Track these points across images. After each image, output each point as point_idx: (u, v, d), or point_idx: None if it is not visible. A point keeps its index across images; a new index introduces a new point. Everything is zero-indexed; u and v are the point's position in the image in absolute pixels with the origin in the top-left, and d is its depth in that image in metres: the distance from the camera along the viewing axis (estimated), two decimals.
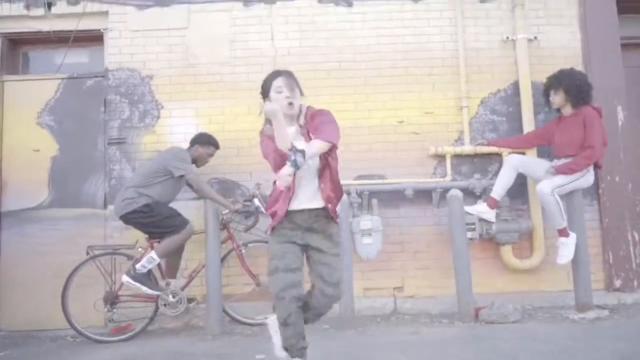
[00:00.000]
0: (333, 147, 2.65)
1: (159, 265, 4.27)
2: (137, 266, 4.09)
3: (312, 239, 2.72)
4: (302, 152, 2.45)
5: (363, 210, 4.61)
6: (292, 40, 4.91)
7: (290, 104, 2.65)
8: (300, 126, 2.73)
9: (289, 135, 2.57)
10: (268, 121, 2.66)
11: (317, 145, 2.55)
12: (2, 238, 4.79)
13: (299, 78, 2.77)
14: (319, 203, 2.70)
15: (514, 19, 4.91)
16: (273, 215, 2.71)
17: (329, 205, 2.70)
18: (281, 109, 2.57)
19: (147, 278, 4.13)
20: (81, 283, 4.27)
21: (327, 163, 2.70)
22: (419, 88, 4.89)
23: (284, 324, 2.63)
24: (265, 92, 2.74)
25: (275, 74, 2.74)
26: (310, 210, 2.70)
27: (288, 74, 2.73)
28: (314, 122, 2.68)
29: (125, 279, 4.10)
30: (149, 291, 4.12)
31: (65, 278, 4.17)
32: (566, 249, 4.18)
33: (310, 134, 2.65)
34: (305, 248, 2.74)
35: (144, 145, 4.81)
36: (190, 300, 4.29)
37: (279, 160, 2.57)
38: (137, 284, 4.09)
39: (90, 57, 5.15)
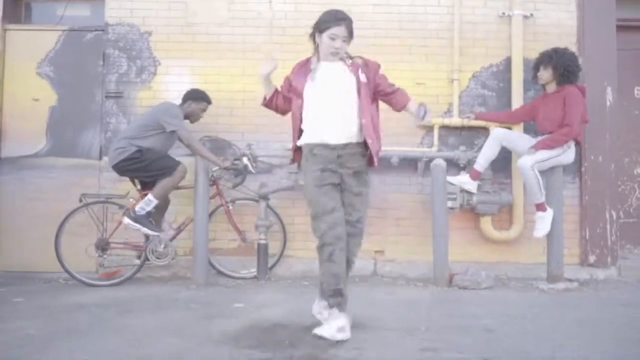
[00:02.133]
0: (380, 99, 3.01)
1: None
2: (137, 208, 4.26)
3: (342, 177, 2.84)
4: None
5: None
6: (289, 4, 4.97)
7: (335, 53, 2.83)
8: (346, 64, 2.90)
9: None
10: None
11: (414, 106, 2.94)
12: (0, 183, 4.97)
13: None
14: (358, 137, 2.86)
15: None
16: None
17: (370, 141, 2.84)
18: (325, 52, 2.83)
19: (146, 220, 4.30)
20: (74, 230, 4.46)
21: (374, 101, 2.96)
22: (412, 59, 4.96)
23: (329, 259, 2.72)
24: (320, 29, 2.84)
25: (339, 20, 2.82)
26: (346, 144, 2.83)
27: (348, 24, 2.83)
28: (372, 71, 2.94)
29: (126, 220, 4.27)
30: (150, 232, 4.30)
31: (59, 223, 4.35)
32: (543, 222, 4.31)
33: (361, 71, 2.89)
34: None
35: (139, 100, 4.93)
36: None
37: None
38: (138, 225, 4.27)
39: (91, 11, 5.23)
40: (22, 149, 4.99)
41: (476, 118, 4.79)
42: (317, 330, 2.75)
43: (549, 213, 4.30)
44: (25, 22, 5.27)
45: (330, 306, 2.77)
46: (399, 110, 3.07)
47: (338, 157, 2.83)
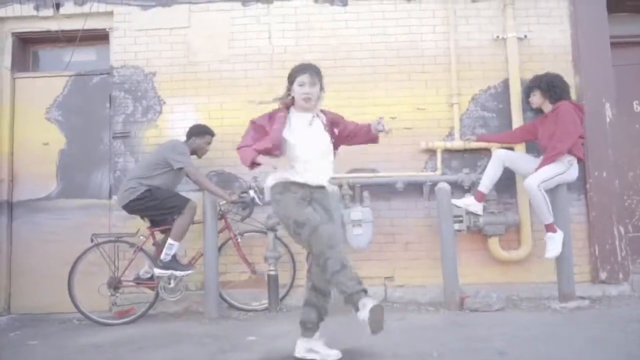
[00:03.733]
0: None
1: (155, 252, 4.51)
2: (162, 257, 4.34)
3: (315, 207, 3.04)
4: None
5: (355, 202, 4.78)
6: (289, 39, 5.11)
7: (307, 99, 3.01)
8: (317, 116, 3.10)
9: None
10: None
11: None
12: (14, 227, 5.08)
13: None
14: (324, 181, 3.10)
15: (504, 17, 5.05)
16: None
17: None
18: (299, 101, 3.02)
19: (174, 263, 4.38)
20: (86, 269, 4.51)
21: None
22: (412, 85, 5.05)
23: (343, 267, 2.73)
24: (290, 81, 3.07)
25: (303, 69, 3.05)
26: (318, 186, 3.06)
27: (314, 72, 3.05)
28: (332, 118, 3.18)
29: (157, 272, 4.35)
30: (182, 273, 4.38)
31: (71, 264, 4.41)
32: (553, 243, 4.30)
33: (331, 124, 3.14)
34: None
35: (146, 139, 5.04)
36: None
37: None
38: (169, 271, 4.35)
39: (97, 55, 5.41)
40: (34, 192, 5.10)
41: (477, 140, 4.85)
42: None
43: (559, 234, 4.28)
44: (34, 70, 5.45)
45: (355, 303, 2.69)
46: (370, 137, 3.28)
47: (311, 193, 3.04)
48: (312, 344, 2.99)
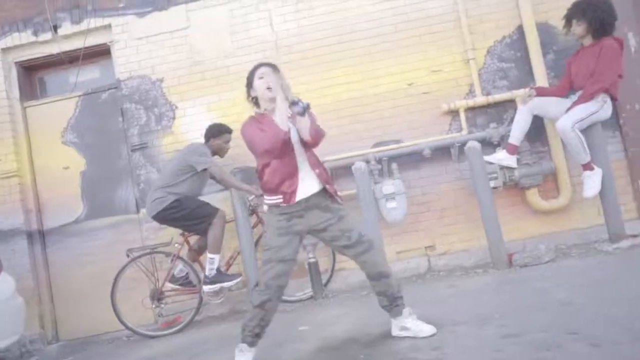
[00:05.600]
0: (311, 142, 2.76)
1: (195, 259, 4.47)
2: (206, 273, 4.29)
3: (312, 218, 2.78)
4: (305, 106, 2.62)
5: (384, 176, 4.66)
6: (290, 22, 4.98)
7: (269, 88, 2.75)
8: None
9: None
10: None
11: (315, 121, 2.74)
12: (48, 254, 5.07)
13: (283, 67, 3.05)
14: (317, 186, 2.79)
15: None
16: (282, 194, 2.74)
17: (327, 186, 2.80)
18: (263, 96, 2.77)
19: (221, 275, 4.32)
20: (127, 285, 4.50)
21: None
22: (424, 48, 4.89)
23: (260, 306, 2.76)
24: (249, 82, 2.87)
25: (258, 65, 2.88)
26: (311, 195, 2.78)
27: (271, 65, 2.86)
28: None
29: (206, 288, 4.29)
30: (231, 283, 4.31)
31: (111, 282, 4.39)
32: (591, 181, 4.14)
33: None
34: (309, 232, 2.83)
35: (164, 146, 4.98)
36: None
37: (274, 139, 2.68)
38: (217, 286, 4.29)
39: (102, 71, 5.35)
40: (62, 217, 5.08)
41: (537, 94, 4.40)
42: None
43: (597, 171, 4.12)
44: (42, 96, 5.41)
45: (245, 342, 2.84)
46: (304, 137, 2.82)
47: (304, 209, 2.78)
48: (403, 321, 2.86)
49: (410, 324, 2.83)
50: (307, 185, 2.78)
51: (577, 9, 4.20)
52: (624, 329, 2.31)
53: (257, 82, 2.81)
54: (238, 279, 4.35)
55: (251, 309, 2.82)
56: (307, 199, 2.76)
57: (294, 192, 2.74)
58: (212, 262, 4.28)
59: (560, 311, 2.74)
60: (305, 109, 2.63)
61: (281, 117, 2.68)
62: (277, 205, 2.77)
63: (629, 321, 2.38)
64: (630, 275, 3.24)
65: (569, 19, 4.28)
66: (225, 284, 4.30)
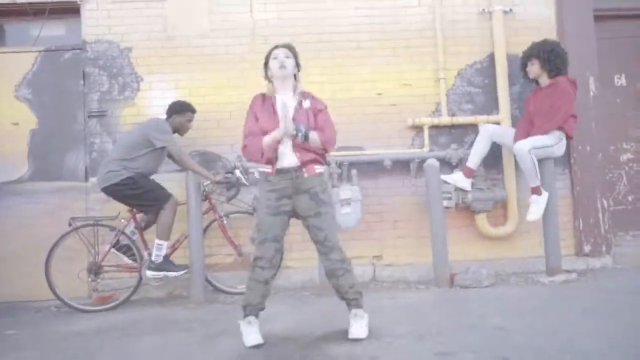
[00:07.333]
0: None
1: (140, 237, 4.36)
2: (152, 258, 4.19)
3: (299, 202, 2.94)
4: (307, 134, 2.84)
5: (343, 181, 4.69)
6: (271, 12, 4.93)
7: (282, 67, 2.95)
8: (299, 101, 3.00)
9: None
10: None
11: (317, 141, 2.91)
12: None
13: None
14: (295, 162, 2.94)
15: None
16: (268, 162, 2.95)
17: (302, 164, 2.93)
18: (274, 72, 2.97)
19: (167, 263, 4.23)
20: (65, 255, 4.32)
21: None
22: (397, 60, 4.95)
23: (265, 282, 2.96)
24: (266, 62, 3.06)
25: (276, 47, 3.04)
26: (290, 168, 2.92)
27: (287, 46, 3.04)
28: (316, 107, 3.01)
29: (149, 274, 4.20)
30: (176, 273, 4.23)
31: (48, 249, 4.22)
32: (537, 206, 4.31)
33: (313, 121, 2.96)
34: (294, 215, 3.00)
35: (124, 117, 4.82)
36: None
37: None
38: (162, 273, 4.20)
39: (67, 30, 5.10)
40: (5, 174, 4.82)
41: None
42: None
43: (544, 196, 4.30)
44: (0, 45, 5.13)
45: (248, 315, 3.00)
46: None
47: (292, 180, 2.93)
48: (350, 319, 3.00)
49: (352, 323, 2.95)
50: (288, 158, 2.93)
51: (529, 51, 4.49)
52: (550, 359, 2.42)
53: (271, 62, 3.00)
54: (184, 271, 4.27)
55: (254, 286, 2.97)
56: (288, 171, 2.91)
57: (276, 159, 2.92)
58: (159, 248, 4.19)
59: (493, 335, 2.84)
60: (305, 137, 2.83)
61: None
62: (266, 179, 2.95)
63: (558, 353, 2.49)
64: (561, 307, 3.40)
65: (523, 64, 4.54)
66: (170, 274, 4.22)
